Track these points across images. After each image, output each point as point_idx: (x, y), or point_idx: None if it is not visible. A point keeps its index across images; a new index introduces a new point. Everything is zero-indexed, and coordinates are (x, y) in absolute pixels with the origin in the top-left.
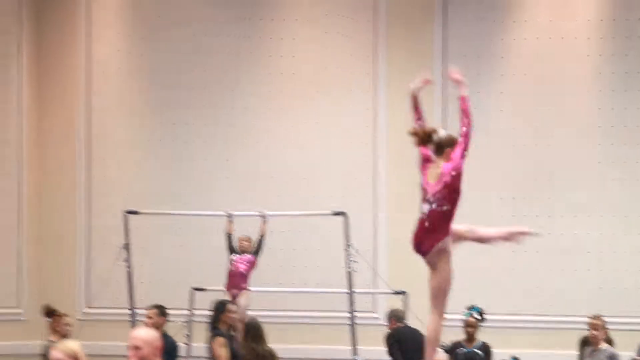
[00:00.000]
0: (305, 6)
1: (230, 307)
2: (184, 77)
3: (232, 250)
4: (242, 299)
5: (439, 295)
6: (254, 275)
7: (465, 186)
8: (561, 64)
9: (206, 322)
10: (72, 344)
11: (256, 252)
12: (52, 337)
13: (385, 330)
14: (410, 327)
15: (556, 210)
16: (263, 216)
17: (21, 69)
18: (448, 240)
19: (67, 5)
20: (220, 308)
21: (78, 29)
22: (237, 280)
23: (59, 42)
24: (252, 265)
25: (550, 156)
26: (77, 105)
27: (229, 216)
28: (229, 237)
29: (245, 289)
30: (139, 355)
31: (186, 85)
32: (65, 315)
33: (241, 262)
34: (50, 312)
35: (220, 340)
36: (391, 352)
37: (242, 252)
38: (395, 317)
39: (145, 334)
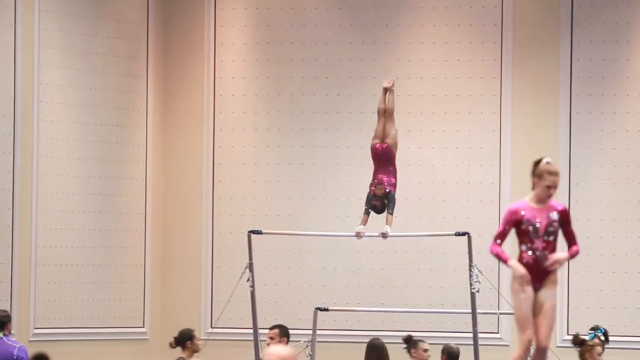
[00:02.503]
0: (431, 28)
1: None
2: (308, 100)
3: None
4: None
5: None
6: (378, 296)
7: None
8: None
9: (329, 342)
10: None
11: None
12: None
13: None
14: None
15: None
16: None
17: (148, 89)
18: None
19: (194, 27)
20: None
21: (204, 51)
22: None
23: (184, 64)
24: None
25: None
26: (202, 125)
27: (359, 236)
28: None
29: None
30: None
31: (310, 108)
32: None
33: None
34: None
35: None
36: None
37: None
38: (448, 354)
39: (282, 351)
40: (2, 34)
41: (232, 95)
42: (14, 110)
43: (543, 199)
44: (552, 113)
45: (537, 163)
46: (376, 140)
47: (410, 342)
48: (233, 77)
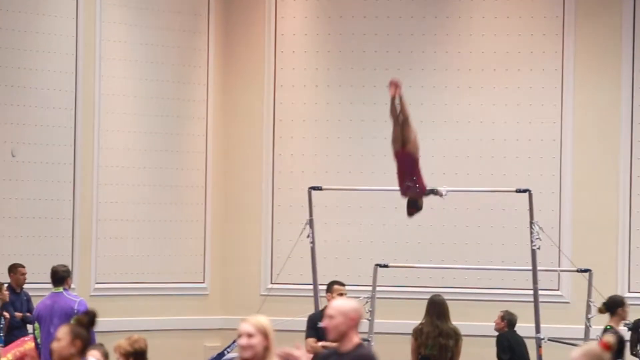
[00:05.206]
0: None
1: None
2: (369, 56)
3: None
4: None
5: None
6: (438, 253)
7: None
8: None
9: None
10: (262, 319)
11: None
12: None
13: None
14: (518, 335)
15: None
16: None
17: (209, 46)
18: None
19: None
20: None
21: (265, 7)
22: None
23: (245, 21)
24: None
25: None
26: (262, 82)
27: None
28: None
29: None
30: (332, 324)
31: (371, 65)
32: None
33: None
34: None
35: None
36: (502, 354)
37: None
38: (509, 321)
39: (340, 304)
40: None
41: (293, 51)
42: (76, 67)
43: None
44: (614, 70)
45: None
46: (397, 146)
47: None
48: (294, 34)
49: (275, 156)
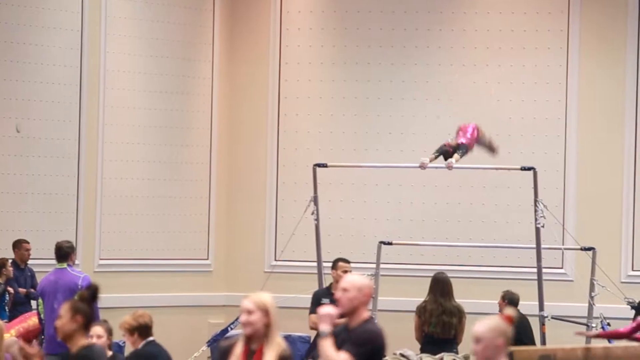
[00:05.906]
0: None
1: None
2: (375, 34)
3: None
4: None
5: None
6: (442, 230)
7: None
8: None
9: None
10: (263, 296)
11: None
12: None
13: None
14: (521, 313)
15: None
16: (449, 167)
17: (214, 23)
18: None
19: None
20: None
21: None
22: None
23: None
24: None
25: None
26: (268, 59)
27: (422, 166)
28: None
29: None
30: (346, 296)
31: (377, 42)
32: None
33: None
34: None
35: None
36: None
37: None
38: (509, 300)
39: (356, 279)
40: None
41: (299, 29)
42: (81, 43)
43: None
44: (620, 48)
45: None
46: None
47: None
48: (299, 11)
49: (280, 133)
